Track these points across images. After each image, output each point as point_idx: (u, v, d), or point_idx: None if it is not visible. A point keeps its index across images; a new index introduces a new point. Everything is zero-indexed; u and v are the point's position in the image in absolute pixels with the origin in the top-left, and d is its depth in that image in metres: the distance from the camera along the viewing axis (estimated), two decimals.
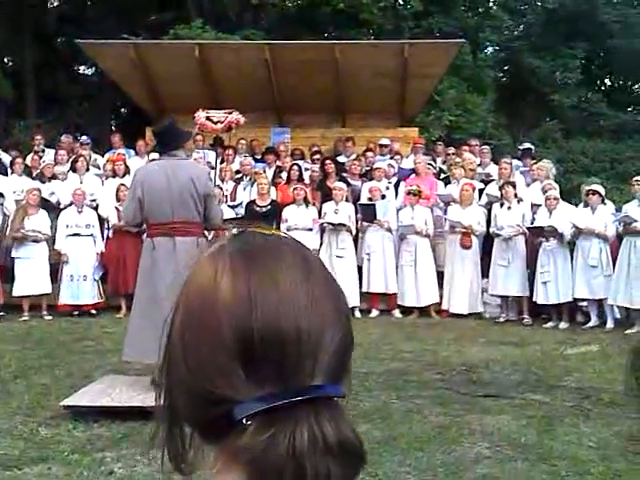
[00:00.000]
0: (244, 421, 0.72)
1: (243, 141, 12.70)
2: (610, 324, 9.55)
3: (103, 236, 10.86)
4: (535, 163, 11.54)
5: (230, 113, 10.46)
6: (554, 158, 13.97)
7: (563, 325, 9.73)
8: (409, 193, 10.71)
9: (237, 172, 11.97)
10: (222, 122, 10.39)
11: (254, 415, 0.72)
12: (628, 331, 9.15)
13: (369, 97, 13.01)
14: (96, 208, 11.00)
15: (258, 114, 12.62)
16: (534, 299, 9.97)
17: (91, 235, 10.60)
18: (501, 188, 10.45)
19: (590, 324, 9.68)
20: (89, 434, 4.99)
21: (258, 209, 10.65)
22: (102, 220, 10.92)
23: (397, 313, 10.56)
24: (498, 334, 9.19)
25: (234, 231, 0.84)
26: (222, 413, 0.74)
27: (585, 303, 9.94)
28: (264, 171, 11.85)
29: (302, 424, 0.72)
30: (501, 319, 10.18)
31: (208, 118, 10.39)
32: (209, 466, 0.79)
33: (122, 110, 21.11)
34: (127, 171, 11.31)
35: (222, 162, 11.73)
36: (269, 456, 0.71)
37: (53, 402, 5.66)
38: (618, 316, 9.76)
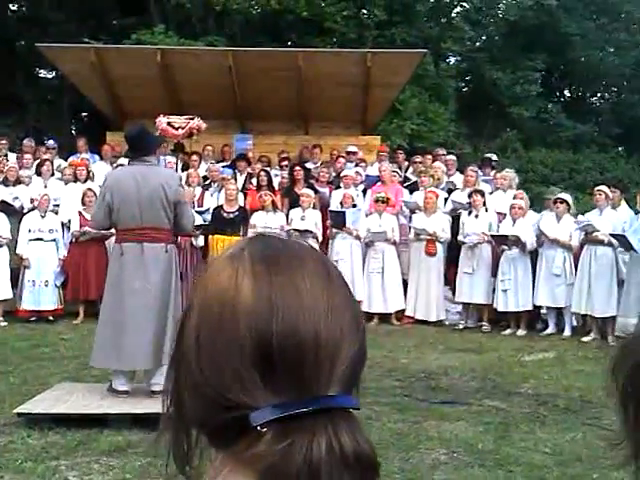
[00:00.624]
0: (259, 428, 0.71)
1: (210, 147, 12.65)
2: (567, 331, 9.67)
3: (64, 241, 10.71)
4: (497, 173, 11.67)
5: (192, 119, 10.43)
6: (514, 168, 14.13)
7: (521, 332, 9.82)
8: (377, 200, 10.75)
9: (204, 178, 11.91)
10: (183, 128, 10.35)
11: (270, 422, 0.71)
12: (584, 338, 9.28)
13: (332, 105, 13.04)
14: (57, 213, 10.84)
15: (220, 120, 12.59)
16: (494, 306, 10.06)
17: (54, 240, 10.44)
18: (470, 196, 10.52)
19: (548, 331, 9.79)
20: (44, 442, 4.92)
21: (225, 215, 10.59)
22: (64, 225, 10.77)
23: None
24: (457, 341, 9.26)
25: (252, 235, 0.84)
26: (235, 418, 0.72)
27: (544, 310, 10.05)
28: (233, 177, 11.79)
29: (320, 434, 0.71)
30: (460, 326, 10.25)
31: (169, 124, 10.34)
32: (215, 470, 0.78)
33: (82, 114, 20.87)
34: (89, 176, 11.19)
35: (184, 169, 11.64)
36: (286, 464, 0.70)
37: (7, 409, 5.57)
38: (575, 324, 9.90)
